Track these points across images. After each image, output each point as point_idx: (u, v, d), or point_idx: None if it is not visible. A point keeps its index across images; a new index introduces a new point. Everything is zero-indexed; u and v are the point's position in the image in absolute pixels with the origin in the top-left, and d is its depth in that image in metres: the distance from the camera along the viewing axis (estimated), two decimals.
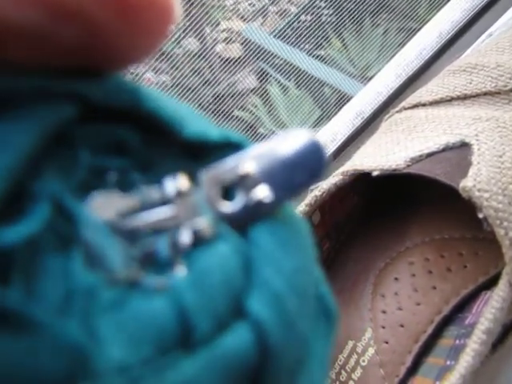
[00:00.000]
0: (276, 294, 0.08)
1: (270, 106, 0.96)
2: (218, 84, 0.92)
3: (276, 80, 0.95)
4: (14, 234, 0.07)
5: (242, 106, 0.94)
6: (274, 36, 0.98)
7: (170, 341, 0.07)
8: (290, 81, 0.93)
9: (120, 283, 0.07)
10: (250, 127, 0.94)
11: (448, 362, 0.25)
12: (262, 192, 0.08)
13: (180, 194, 0.08)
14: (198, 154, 0.09)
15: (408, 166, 0.24)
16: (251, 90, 0.94)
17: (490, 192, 0.22)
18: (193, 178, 0.08)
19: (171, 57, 0.88)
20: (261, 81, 0.94)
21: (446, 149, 0.25)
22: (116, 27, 0.08)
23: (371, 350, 0.27)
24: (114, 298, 0.07)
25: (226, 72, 0.93)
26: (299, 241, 0.08)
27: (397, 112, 0.30)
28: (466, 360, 0.21)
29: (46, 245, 0.07)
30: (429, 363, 0.26)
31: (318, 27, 0.94)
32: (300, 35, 0.96)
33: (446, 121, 0.26)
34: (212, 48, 0.95)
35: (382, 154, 0.26)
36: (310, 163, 0.08)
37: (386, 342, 0.27)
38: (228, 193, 0.08)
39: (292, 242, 0.08)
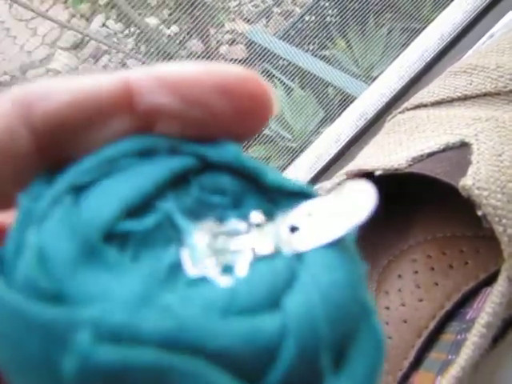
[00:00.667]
0: (308, 300, 0.10)
1: None
2: None
3: (280, 81, 0.95)
4: (132, 226, 0.10)
5: None
6: (278, 37, 0.98)
7: (215, 311, 0.09)
8: (294, 82, 0.93)
9: (198, 274, 0.10)
10: None
11: (450, 357, 0.25)
12: (318, 229, 0.11)
13: (258, 225, 0.11)
14: (278, 198, 0.12)
15: (410, 165, 0.25)
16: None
17: (489, 190, 0.23)
18: (271, 215, 0.11)
19: (176, 59, 0.88)
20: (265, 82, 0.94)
21: (447, 148, 0.25)
22: (230, 117, 0.12)
23: None
24: (188, 280, 0.10)
25: None
26: (344, 266, 0.11)
27: (399, 113, 0.31)
28: (466, 353, 0.22)
29: (156, 239, 0.11)
30: (431, 358, 0.27)
31: (322, 28, 0.95)
32: (304, 36, 0.96)
33: (447, 121, 0.27)
34: (216, 50, 0.96)
35: (384, 154, 0.27)
36: (360, 207, 0.11)
37: (390, 338, 0.27)
38: (295, 228, 0.11)
39: (336, 265, 0.10)
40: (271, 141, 0.94)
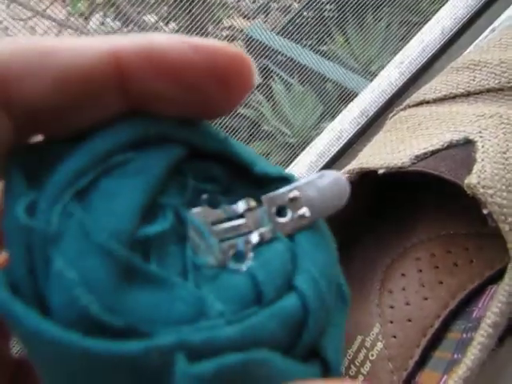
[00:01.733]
0: (313, 278, 0.12)
1: (274, 102, 0.96)
2: None
3: (279, 77, 0.95)
4: (152, 230, 0.11)
5: (245, 103, 0.94)
6: (277, 33, 0.97)
7: (248, 302, 0.11)
8: (293, 77, 0.93)
9: (216, 265, 0.11)
10: (255, 124, 0.94)
11: (455, 356, 0.25)
12: (303, 211, 0.12)
13: (249, 210, 0.12)
14: (263, 184, 0.13)
15: (413, 163, 0.25)
16: (255, 87, 0.94)
17: (495, 188, 0.22)
18: (258, 200, 0.12)
19: None
20: (264, 78, 0.94)
21: (451, 146, 0.25)
22: (215, 91, 0.12)
23: (380, 345, 0.27)
24: (212, 274, 0.11)
25: None
26: (327, 245, 0.12)
27: (401, 110, 0.31)
28: (473, 353, 0.21)
29: (170, 238, 0.11)
30: (437, 357, 0.26)
31: (321, 23, 0.94)
32: (302, 31, 0.96)
33: (450, 118, 0.27)
34: None
35: (387, 152, 0.27)
36: (337, 194, 0.12)
37: (394, 337, 0.27)
38: (282, 211, 0.12)
39: (322, 245, 0.12)
40: (271, 136, 0.94)
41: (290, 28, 0.98)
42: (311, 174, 0.36)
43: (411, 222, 0.30)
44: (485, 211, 0.22)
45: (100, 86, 0.11)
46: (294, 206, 0.12)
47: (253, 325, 0.10)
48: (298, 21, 1.00)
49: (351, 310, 0.29)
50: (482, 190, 0.22)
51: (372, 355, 0.27)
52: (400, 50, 0.40)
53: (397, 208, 0.31)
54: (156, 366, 0.09)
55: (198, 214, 0.12)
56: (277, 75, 0.95)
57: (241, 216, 0.12)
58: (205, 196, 0.12)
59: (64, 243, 0.10)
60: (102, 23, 0.94)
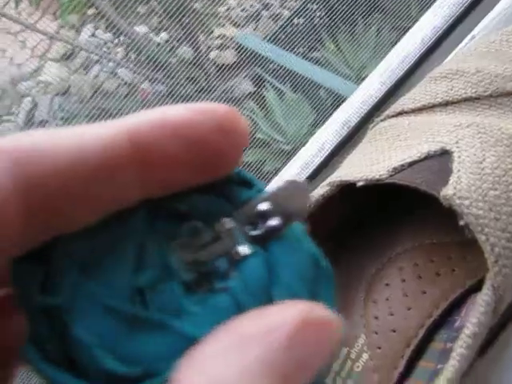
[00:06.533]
0: (288, 286, 0.12)
1: (267, 110, 0.97)
2: (214, 91, 0.92)
3: (272, 84, 0.95)
4: (144, 279, 0.13)
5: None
6: (268, 40, 0.98)
7: (233, 313, 0.12)
8: (285, 85, 0.93)
9: (202, 289, 0.12)
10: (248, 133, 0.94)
11: (439, 366, 0.25)
12: (272, 221, 0.13)
13: (225, 231, 0.13)
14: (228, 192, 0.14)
15: (391, 175, 0.25)
16: (247, 96, 0.95)
17: (471, 199, 0.22)
18: (231, 217, 0.13)
19: (166, 66, 0.88)
20: (256, 86, 0.94)
21: (428, 157, 0.25)
22: (220, 140, 0.13)
23: (365, 356, 0.27)
24: (200, 299, 0.12)
25: (221, 79, 0.94)
26: (299, 248, 0.13)
27: (381, 121, 0.31)
28: (452, 364, 0.22)
29: (160, 279, 0.13)
30: (421, 367, 0.26)
31: (311, 30, 0.95)
32: (294, 39, 0.96)
33: (428, 128, 0.27)
34: (206, 55, 0.96)
35: (366, 164, 0.27)
36: (299, 199, 0.13)
37: (379, 348, 0.27)
38: (253, 224, 0.13)
39: (294, 250, 0.13)
40: (265, 144, 0.94)
41: (281, 35, 0.98)
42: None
43: (395, 231, 0.30)
44: (461, 222, 0.23)
45: (114, 160, 0.11)
46: (264, 217, 0.13)
47: None
48: (288, 28, 1.00)
49: None
50: (458, 201, 0.22)
51: (358, 367, 0.27)
52: None
53: (381, 217, 0.31)
54: None
55: (179, 248, 0.13)
56: (269, 83, 0.96)
57: (218, 238, 0.13)
58: (185, 227, 0.13)
59: (77, 311, 0.11)
60: (93, 35, 0.94)
